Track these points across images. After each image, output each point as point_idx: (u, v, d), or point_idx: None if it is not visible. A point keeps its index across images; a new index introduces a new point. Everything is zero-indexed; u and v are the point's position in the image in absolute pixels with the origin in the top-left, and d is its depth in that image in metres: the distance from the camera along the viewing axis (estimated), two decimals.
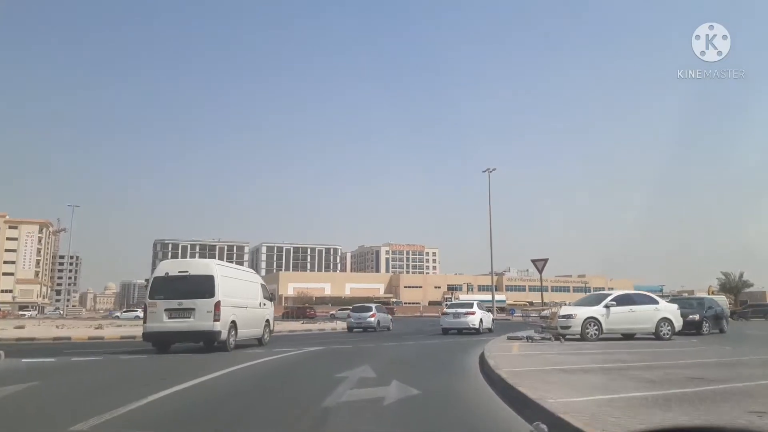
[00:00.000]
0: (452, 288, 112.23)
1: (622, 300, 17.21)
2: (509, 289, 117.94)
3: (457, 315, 24.55)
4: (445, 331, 24.27)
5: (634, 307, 16.92)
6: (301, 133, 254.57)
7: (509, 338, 17.05)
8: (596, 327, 16.12)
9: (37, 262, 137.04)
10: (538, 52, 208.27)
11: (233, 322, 14.16)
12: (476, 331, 23.62)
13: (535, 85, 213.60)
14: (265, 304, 17.12)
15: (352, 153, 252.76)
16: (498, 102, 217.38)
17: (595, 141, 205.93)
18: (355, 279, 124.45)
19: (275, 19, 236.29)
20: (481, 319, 24.53)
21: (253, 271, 18.94)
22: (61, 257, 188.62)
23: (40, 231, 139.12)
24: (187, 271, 14.05)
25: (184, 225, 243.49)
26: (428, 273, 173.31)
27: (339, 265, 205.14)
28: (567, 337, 15.81)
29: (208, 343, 13.76)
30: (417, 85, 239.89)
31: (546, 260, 21.03)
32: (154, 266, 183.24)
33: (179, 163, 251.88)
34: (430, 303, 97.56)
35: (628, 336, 17.14)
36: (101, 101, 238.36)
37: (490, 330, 25.32)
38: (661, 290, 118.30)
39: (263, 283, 17.75)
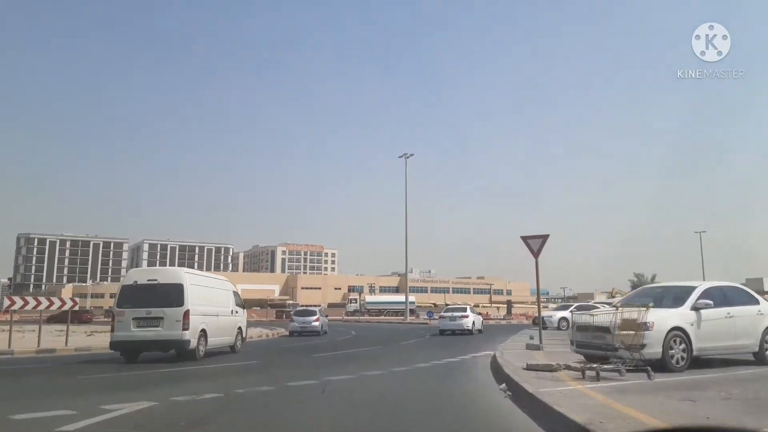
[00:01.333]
0: (354, 289, 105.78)
1: (718, 297, 9.87)
2: (412, 290, 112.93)
3: (453, 318, 27.44)
4: (442, 332, 26.84)
5: (731, 310, 9.79)
6: (190, 117, 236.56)
7: (540, 368, 8.95)
8: (683, 345, 9.07)
9: None
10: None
11: (203, 330, 14.13)
12: (469, 332, 26.17)
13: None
14: (237, 312, 16.95)
15: (250, 145, 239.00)
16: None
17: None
18: (248, 279, 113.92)
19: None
20: (473, 322, 27.27)
21: (224, 278, 18.02)
22: None
23: None
24: (156, 280, 14.04)
25: (52, 218, 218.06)
26: (327, 274, 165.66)
27: (231, 266, 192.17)
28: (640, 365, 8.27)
29: (181, 352, 13.64)
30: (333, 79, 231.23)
31: (546, 236, 13.86)
32: (16, 262, 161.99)
33: (42, 149, 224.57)
34: (330, 305, 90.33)
35: (722, 361, 10.06)
36: None
37: (480, 331, 27.90)
38: (548, 293, 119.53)
39: (236, 290, 17.47)
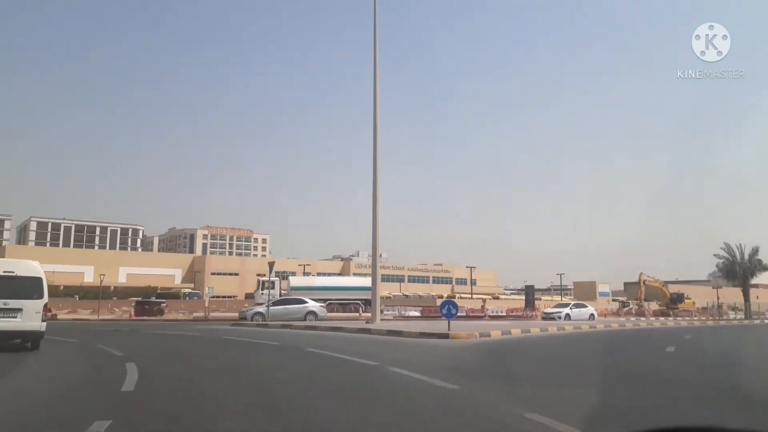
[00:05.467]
0: (282, 275, 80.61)
1: None
2: (358, 276, 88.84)
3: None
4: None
5: None
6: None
7: None
8: None
9: None
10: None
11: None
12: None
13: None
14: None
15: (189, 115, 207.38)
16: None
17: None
18: (136, 261, 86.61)
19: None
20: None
21: (35, 262, 14.87)
22: None
23: None
24: (13, 272, 13.86)
25: None
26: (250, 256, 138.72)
27: (140, 250, 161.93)
28: None
29: (34, 342, 13.88)
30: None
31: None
32: None
33: None
34: (248, 296, 65.34)
35: None
36: None
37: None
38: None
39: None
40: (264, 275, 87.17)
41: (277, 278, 38.66)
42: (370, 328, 21.31)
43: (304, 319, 29.39)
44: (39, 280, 13.81)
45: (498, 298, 73.69)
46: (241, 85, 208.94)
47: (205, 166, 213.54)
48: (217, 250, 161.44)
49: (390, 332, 19.87)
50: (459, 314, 41.71)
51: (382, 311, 36.76)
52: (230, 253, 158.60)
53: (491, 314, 43.41)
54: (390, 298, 67.62)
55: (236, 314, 34.46)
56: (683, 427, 1.74)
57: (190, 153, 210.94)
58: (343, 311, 38.33)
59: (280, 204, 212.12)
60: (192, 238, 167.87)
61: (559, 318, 36.32)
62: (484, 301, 57.15)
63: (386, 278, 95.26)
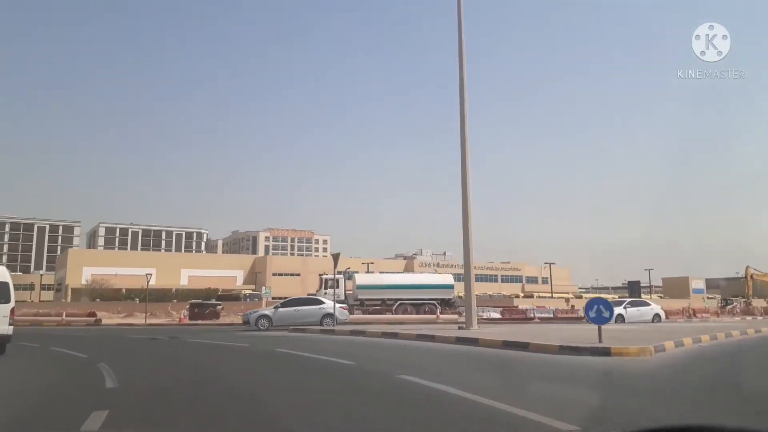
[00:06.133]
0: (346, 273, 77.26)
1: None
2: (427, 273, 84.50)
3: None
4: None
5: None
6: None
7: None
8: None
9: None
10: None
11: None
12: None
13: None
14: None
15: (240, 122, 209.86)
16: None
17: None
18: (198, 263, 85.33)
19: None
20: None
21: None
22: None
23: None
24: None
25: None
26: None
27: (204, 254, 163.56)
28: None
29: (1, 347, 13.59)
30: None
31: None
32: None
33: None
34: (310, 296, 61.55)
35: None
36: None
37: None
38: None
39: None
40: (326, 273, 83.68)
41: (341, 276, 34.27)
42: (476, 338, 15.28)
43: (320, 324, 23.64)
44: (6, 284, 13.82)
45: (580, 297, 67.40)
46: (300, 87, 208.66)
47: (265, 169, 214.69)
48: (279, 252, 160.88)
49: (507, 344, 13.76)
50: (547, 316, 37.16)
51: (459, 313, 32.25)
52: (291, 255, 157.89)
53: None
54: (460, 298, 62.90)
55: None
56: (681, 427, 1.68)
57: (251, 157, 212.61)
58: (416, 312, 33.64)
59: (340, 205, 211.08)
60: (254, 240, 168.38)
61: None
62: (567, 300, 51.58)
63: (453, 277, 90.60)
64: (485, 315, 32.22)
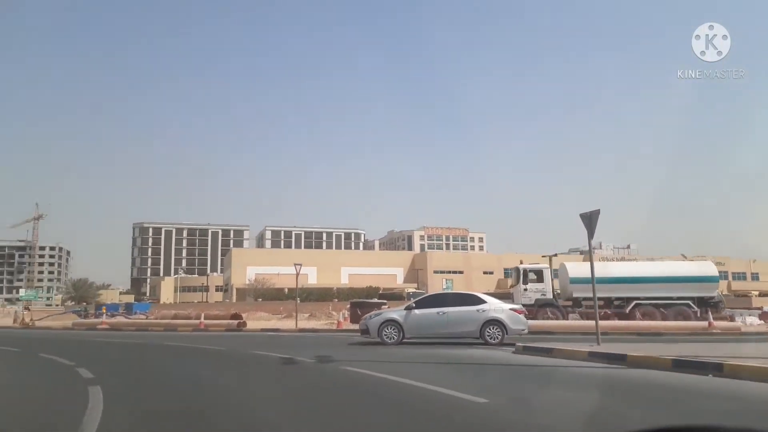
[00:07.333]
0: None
1: None
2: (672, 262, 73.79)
3: None
4: None
5: None
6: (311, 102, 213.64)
7: None
8: None
9: None
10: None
11: None
12: None
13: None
14: None
15: (379, 125, 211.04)
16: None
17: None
18: (357, 261, 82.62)
19: None
20: None
21: None
22: (42, 248, 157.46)
23: None
24: None
25: (163, 207, 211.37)
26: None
27: None
28: None
29: None
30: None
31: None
32: (132, 254, 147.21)
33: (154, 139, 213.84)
34: (504, 296, 54.76)
35: None
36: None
37: None
38: None
39: None
40: (490, 272, 75.83)
41: (544, 267, 25.68)
42: None
43: (479, 336, 15.17)
44: None
45: None
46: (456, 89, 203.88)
47: (418, 167, 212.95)
48: (434, 250, 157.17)
49: None
50: None
51: (729, 318, 23.22)
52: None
53: None
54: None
55: None
56: (680, 427, 1.65)
57: (404, 157, 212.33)
58: (661, 318, 23.39)
59: (494, 201, 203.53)
60: (410, 239, 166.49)
61: None
62: None
63: None
64: (741, 320, 23.18)
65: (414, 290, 60.62)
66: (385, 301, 31.92)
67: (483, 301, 15.55)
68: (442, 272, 75.92)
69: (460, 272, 75.95)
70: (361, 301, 30.11)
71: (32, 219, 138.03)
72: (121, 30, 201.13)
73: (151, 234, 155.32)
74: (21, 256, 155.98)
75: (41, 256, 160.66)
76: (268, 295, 64.58)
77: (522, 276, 25.02)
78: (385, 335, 15.40)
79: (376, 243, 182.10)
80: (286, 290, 66.99)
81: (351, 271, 75.13)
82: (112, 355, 15.12)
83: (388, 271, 77.99)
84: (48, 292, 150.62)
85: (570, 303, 24.59)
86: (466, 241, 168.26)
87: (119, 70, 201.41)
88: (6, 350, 16.06)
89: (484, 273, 72.99)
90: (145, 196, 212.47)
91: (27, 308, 38.13)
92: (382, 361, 11.51)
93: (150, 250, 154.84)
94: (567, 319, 20.72)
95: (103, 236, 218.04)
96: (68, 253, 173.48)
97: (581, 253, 79.31)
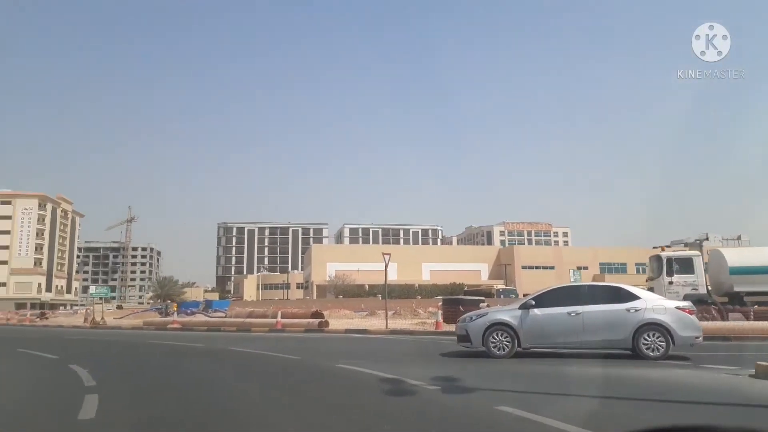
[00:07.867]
0: (609, 267, 63.81)
1: None
2: None
3: None
4: None
5: None
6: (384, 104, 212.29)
7: None
8: None
9: (38, 246, 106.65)
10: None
11: None
12: None
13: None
14: None
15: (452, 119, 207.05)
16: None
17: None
18: (438, 257, 79.31)
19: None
20: None
21: None
22: (134, 249, 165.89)
23: (41, 207, 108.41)
24: None
25: (244, 208, 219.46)
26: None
27: None
28: None
29: None
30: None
31: None
32: (218, 253, 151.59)
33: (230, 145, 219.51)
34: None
35: None
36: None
37: None
38: None
39: None
40: (584, 267, 70.55)
41: (695, 254, 20.90)
42: None
43: (631, 347, 10.87)
44: None
45: None
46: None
47: (494, 163, 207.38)
48: (521, 245, 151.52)
49: None
50: None
51: None
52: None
53: None
54: None
55: None
56: (679, 427, 1.69)
57: (480, 154, 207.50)
58: None
59: (574, 195, 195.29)
60: (489, 235, 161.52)
61: None
62: None
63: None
64: None
65: (503, 287, 56.82)
66: (483, 299, 28.53)
67: (635, 297, 11.15)
68: (530, 267, 71.36)
69: (551, 267, 70.99)
70: (458, 298, 26.82)
71: (125, 221, 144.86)
72: (217, 42, 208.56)
73: (234, 233, 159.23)
74: (115, 256, 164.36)
75: (134, 257, 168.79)
76: (348, 292, 62.91)
77: (666, 266, 20.54)
78: (493, 344, 11.31)
79: (454, 239, 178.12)
80: (367, 286, 65.07)
81: (432, 267, 72.10)
82: (151, 370, 11.16)
83: (471, 267, 74.13)
84: (140, 290, 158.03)
85: (726, 299, 20.17)
86: (549, 236, 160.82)
87: (219, 79, 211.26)
88: (38, 356, 13.75)
89: (578, 268, 67.78)
90: (230, 197, 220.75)
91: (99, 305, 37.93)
92: (527, 392, 7.50)
93: (234, 249, 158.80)
94: (727, 320, 16.54)
95: (191, 236, 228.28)
96: (159, 253, 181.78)
97: (686, 245, 72.27)
